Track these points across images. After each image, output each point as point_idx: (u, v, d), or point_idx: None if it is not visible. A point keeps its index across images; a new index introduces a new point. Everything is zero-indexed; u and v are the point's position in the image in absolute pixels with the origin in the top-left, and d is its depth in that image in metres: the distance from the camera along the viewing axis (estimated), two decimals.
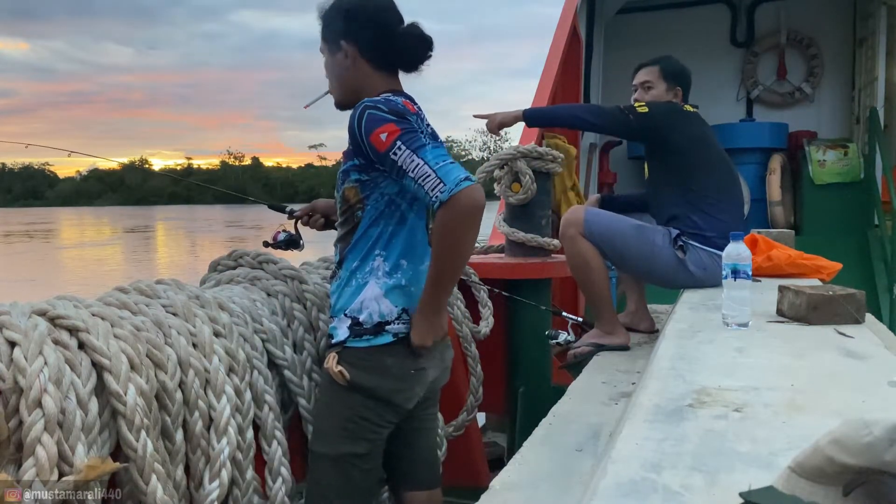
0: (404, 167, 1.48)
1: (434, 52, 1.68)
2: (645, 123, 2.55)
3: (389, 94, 1.62)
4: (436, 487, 1.87)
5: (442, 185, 1.44)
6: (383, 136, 1.50)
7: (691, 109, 2.66)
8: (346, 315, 1.62)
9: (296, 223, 2.11)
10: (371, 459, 1.66)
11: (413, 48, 1.67)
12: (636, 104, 2.62)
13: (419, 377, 1.67)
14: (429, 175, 1.45)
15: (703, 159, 2.57)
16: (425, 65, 1.70)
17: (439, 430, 2.22)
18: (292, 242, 2.08)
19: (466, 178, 1.45)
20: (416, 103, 1.67)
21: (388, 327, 1.61)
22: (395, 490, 1.85)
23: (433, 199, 1.45)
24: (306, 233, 2.10)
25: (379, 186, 1.60)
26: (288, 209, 2.15)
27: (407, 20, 1.69)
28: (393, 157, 1.49)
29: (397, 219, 1.61)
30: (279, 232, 2.07)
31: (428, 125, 1.66)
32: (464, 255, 1.55)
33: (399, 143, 1.48)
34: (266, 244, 2.07)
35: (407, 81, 1.73)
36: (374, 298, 1.60)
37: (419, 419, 1.79)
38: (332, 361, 1.61)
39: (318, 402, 1.70)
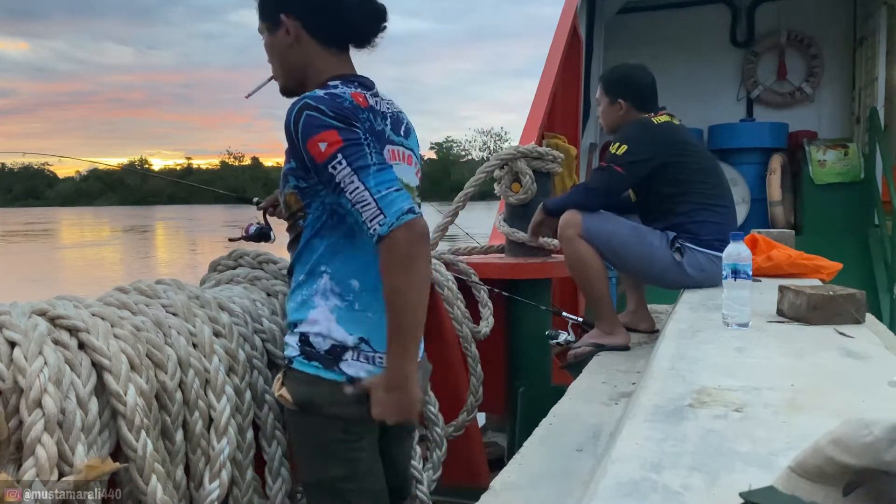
0: (342, 185, 1.30)
1: (387, 24, 1.49)
2: (632, 161, 2.46)
3: (338, 83, 1.43)
4: (405, 499, 1.75)
5: (382, 216, 1.27)
6: (322, 146, 1.31)
7: (662, 119, 2.57)
8: (297, 330, 1.45)
9: (264, 214, 2.05)
10: (360, 478, 1.47)
11: (364, 19, 1.47)
12: (611, 148, 2.52)
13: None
14: (368, 203, 1.28)
15: (689, 166, 2.52)
16: (379, 38, 1.51)
17: (438, 430, 2.23)
18: (263, 235, 2.05)
19: (410, 210, 1.28)
20: (370, 90, 1.48)
21: (342, 363, 1.40)
22: None
23: (371, 230, 1.28)
24: (277, 223, 2.04)
25: (319, 195, 1.41)
26: (255, 200, 2.11)
27: (399, 21, 1.58)
28: (332, 171, 1.30)
29: (342, 232, 1.41)
30: (251, 224, 2.05)
31: (386, 116, 1.49)
32: (415, 298, 1.32)
33: (340, 156, 1.30)
34: (233, 239, 2.05)
35: (401, 78, 1.62)
36: (326, 322, 1.41)
37: (391, 441, 1.61)
38: (276, 384, 1.48)
39: (288, 430, 1.57)
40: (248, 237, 2.05)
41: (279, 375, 1.49)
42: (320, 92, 1.38)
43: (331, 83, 1.43)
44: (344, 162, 1.30)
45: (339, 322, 1.41)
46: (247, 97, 1.65)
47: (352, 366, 1.41)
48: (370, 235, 1.29)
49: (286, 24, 1.46)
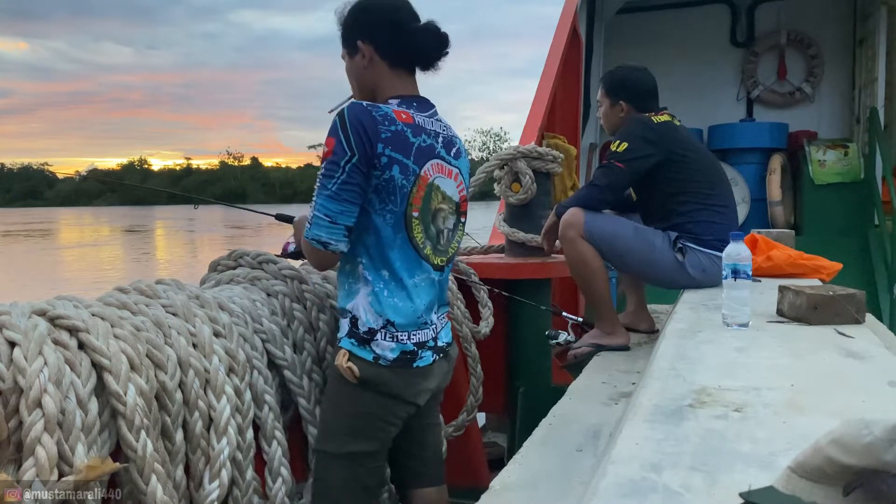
0: (315, 187, 1.60)
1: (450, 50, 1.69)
2: (633, 158, 2.47)
3: (394, 100, 1.64)
4: (442, 484, 1.88)
5: (308, 227, 1.59)
6: (325, 148, 1.57)
7: (663, 119, 2.57)
8: (347, 310, 1.63)
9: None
10: (378, 457, 1.66)
11: (429, 46, 1.68)
12: (612, 145, 2.53)
13: (424, 373, 1.65)
14: (311, 211, 1.59)
15: (689, 166, 2.52)
16: (442, 62, 1.71)
17: None
18: (300, 253, 2.06)
19: (319, 241, 1.57)
20: (425, 111, 1.67)
21: (373, 343, 1.59)
22: (402, 488, 1.83)
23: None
24: None
25: None
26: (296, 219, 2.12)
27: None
28: (319, 171, 1.59)
29: (369, 227, 1.59)
30: (289, 243, 2.06)
31: (438, 135, 1.66)
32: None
33: (324, 165, 1.56)
34: (279, 255, 2.05)
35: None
36: (363, 306, 1.60)
37: (428, 416, 1.79)
38: (342, 358, 1.60)
39: (326, 400, 1.69)
40: (286, 255, 2.04)
41: (343, 350, 1.61)
42: (364, 103, 1.58)
43: (391, 100, 1.65)
44: (322, 171, 1.57)
45: (371, 305, 1.60)
46: (329, 112, 1.81)
47: (380, 345, 1.59)
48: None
49: (362, 49, 1.67)
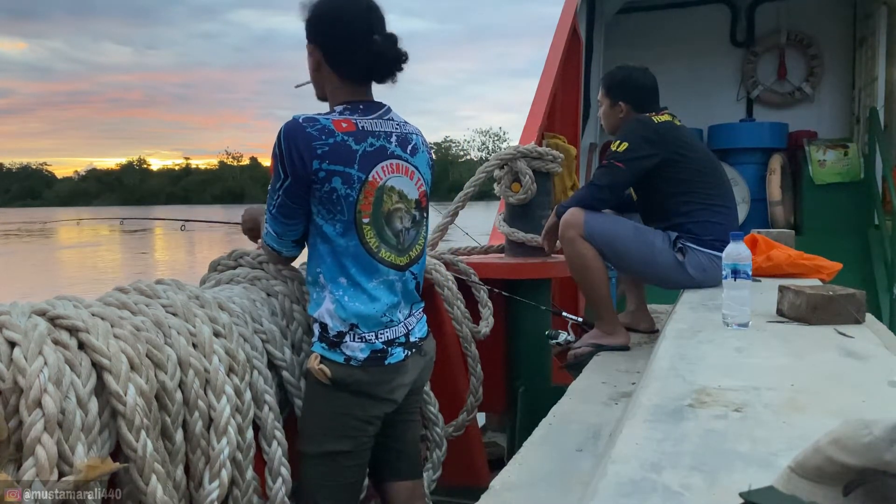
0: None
1: (407, 64, 1.67)
2: (633, 158, 2.46)
3: (339, 107, 1.65)
4: (418, 478, 1.91)
5: (264, 233, 1.74)
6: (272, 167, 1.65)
7: (664, 119, 2.56)
8: (315, 318, 1.67)
9: None
10: (357, 456, 1.68)
11: (378, 63, 1.65)
12: (613, 145, 2.53)
13: (397, 369, 1.68)
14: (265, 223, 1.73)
15: (690, 166, 2.51)
16: (398, 75, 1.68)
17: (438, 430, 2.23)
18: None
19: (270, 246, 1.75)
20: (371, 114, 1.65)
21: (342, 345, 1.62)
22: (378, 481, 1.85)
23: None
24: None
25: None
26: None
27: (398, 20, 1.68)
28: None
29: (322, 237, 1.64)
30: None
31: (390, 135, 1.66)
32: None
33: (270, 183, 1.66)
34: None
35: (400, 78, 1.69)
36: (328, 313, 1.64)
37: (406, 411, 1.82)
38: (314, 361, 1.64)
39: (304, 402, 1.71)
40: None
41: (315, 353, 1.66)
42: (301, 118, 1.60)
43: (336, 107, 1.67)
44: (269, 187, 1.67)
45: (336, 312, 1.63)
46: (296, 87, 1.82)
47: (349, 346, 1.63)
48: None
49: (312, 53, 1.69)
